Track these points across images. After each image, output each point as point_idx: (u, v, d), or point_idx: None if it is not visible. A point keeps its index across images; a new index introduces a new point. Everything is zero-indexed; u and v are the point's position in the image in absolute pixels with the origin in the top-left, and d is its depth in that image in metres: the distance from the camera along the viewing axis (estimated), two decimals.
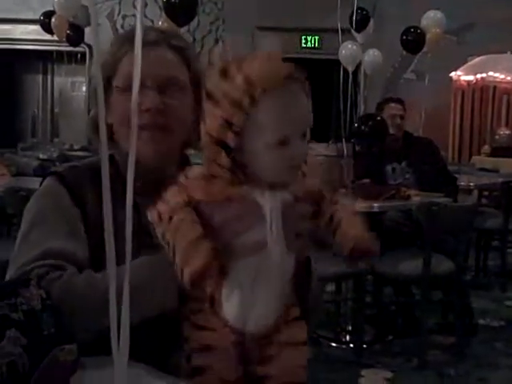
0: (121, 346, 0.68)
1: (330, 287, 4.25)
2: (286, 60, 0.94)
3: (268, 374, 0.99)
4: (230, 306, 0.97)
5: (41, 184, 1.32)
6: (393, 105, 4.43)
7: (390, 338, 3.97)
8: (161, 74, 1.24)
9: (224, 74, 0.93)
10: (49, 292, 1.01)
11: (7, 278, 1.15)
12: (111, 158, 1.30)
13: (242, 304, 0.97)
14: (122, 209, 1.12)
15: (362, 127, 4.36)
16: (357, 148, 4.32)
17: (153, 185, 1.23)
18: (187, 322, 1.01)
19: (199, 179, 0.96)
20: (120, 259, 0.99)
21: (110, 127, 1.27)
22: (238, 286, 0.96)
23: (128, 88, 1.20)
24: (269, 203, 0.95)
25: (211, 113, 0.93)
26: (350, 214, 1.02)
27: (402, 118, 4.36)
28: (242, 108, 0.90)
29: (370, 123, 4.32)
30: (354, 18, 6.28)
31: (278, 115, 0.92)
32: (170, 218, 0.93)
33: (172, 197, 0.95)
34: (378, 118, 4.34)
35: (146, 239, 1.06)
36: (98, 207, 1.21)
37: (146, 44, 1.05)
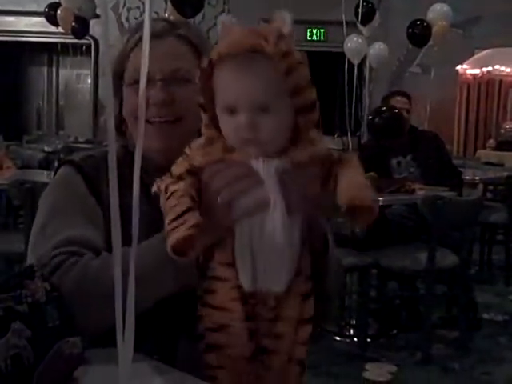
0: (126, 335, 0.68)
1: None
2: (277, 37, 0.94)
3: (274, 349, 1.02)
4: (242, 268, 0.98)
5: (55, 172, 1.31)
6: (398, 98, 4.42)
7: (395, 331, 3.97)
8: (167, 67, 1.23)
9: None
10: (61, 283, 1.03)
11: (33, 262, 1.14)
12: (126, 148, 1.30)
13: (253, 264, 0.98)
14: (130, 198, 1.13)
15: (378, 119, 4.22)
16: (366, 141, 4.30)
17: None
18: (201, 302, 1.02)
19: (200, 147, 0.99)
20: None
21: (124, 121, 1.27)
22: (246, 247, 0.98)
23: (135, 82, 1.21)
24: (262, 168, 0.96)
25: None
26: (352, 168, 1.00)
27: (407, 111, 4.35)
28: (202, 68, 0.96)
29: (387, 115, 4.21)
30: (360, 10, 6.26)
31: (225, 82, 0.96)
32: (166, 188, 0.96)
33: (175, 167, 0.99)
34: (395, 110, 4.23)
35: (157, 231, 1.06)
36: (91, 201, 1.22)
37: (152, 37, 1.05)
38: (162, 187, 0.97)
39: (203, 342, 1.02)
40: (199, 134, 1.24)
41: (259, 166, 0.97)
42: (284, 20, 0.98)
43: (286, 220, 0.97)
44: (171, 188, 0.96)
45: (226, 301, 1.00)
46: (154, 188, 0.98)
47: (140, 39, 1.21)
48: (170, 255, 0.96)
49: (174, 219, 0.93)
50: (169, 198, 0.96)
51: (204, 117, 0.99)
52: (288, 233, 0.98)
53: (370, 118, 4.33)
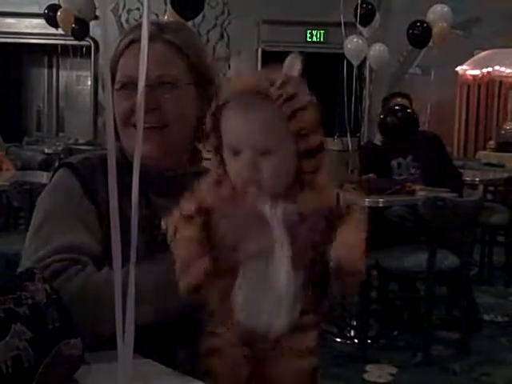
0: (125, 341, 0.68)
1: None
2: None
3: (273, 377, 1.00)
4: (242, 308, 0.98)
5: (53, 174, 1.30)
6: (399, 99, 4.42)
7: (395, 333, 3.97)
8: (153, 73, 1.20)
9: None
10: (61, 291, 1.02)
11: (29, 263, 1.14)
12: (122, 152, 1.30)
13: (253, 306, 0.98)
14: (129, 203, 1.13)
15: (389, 119, 4.11)
16: (366, 142, 4.27)
17: (166, 183, 1.24)
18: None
19: (209, 186, 1.00)
20: (127, 253, 1.01)
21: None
22: (247, 288, 0.98)
23: (123, 87, 1.21)
24: (269, 213, 0.96)
25: None
26: (349, 226, 0.99)
27: None
28: (211, 112, 0.99)
29: (400, 115, 4.10)
30: (359, 11, 6.26)
31: (229, 124, 0.97)
32: (176, 230, 0.97)
33: (184, 204, 0.99)
34: (408, 110, 4.15)
35: (157, 235, 1.06)
36: (87, 204, 1.22)
37: (138, 40, 1.06)
38: (171, 227, 0.97)
39: (203, 346, 1.01)
40: (186, 141, 1.25)
41: (266, 209, 0.97)
42: (294, 63, 0.98)
43: (290, 265, 0.97)
44: (181, 232, 0.96)
45: (223, 328, 1.00)
46: (163, 226, 0.99)
47: (131, 42, 1.21)
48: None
49: (184, 266, 0.95)
50: (178, 242, 0.96)
51: (213, 158, 1.01)
52: (292, 277, 0.98)
53: (382, 117, 4.24)
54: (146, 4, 0.78)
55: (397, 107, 4.28)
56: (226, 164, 0.99)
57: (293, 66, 0.98)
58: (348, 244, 0.97)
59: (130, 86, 1.20)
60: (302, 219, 0.98)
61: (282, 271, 0.96)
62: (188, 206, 0.98)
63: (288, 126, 0.95)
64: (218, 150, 1.00)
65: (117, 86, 1.24)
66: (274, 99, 0.94)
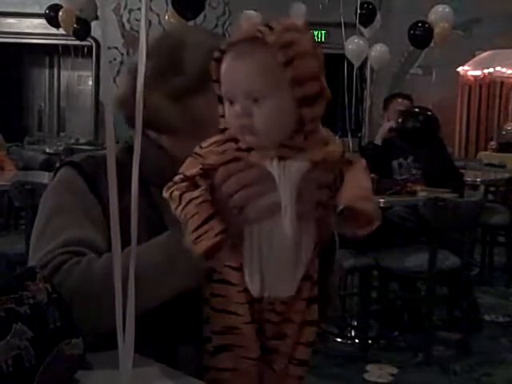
0: (126, 337, 0.68)
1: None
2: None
3: (279, 350, 1.03)
4: (250, 273, 0.98)
5: (55, 173, 1.30)
6: (400, 100, 4.41)
7: (396, 333, 3.97)
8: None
9: None
10: (63, 283, 1.03)
11: (34, 262, 1.13)
12: (131, 148, 1.29)
13: (261, 269, 0.98)
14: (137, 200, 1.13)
15: (409, 123, 3.87)
16: (367, 142, 4.23)
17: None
18: (207, 305, 1.03)
19: (213, 145, 0.98)
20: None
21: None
22: (255, 251, 0.98)
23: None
24: (277, 171, 0.95)
25: None
26: (357, 171, 1.00)
27: None
28: (214, 58, 0.97)
29: (421, 118, 3.88)
30: (359, 12, 6.26)
31: (225, 71, 0.96)
32: (181, 196, 0.95)
33: (187, 168, 0.98)
34: (429, 113, 3.96)
35: (158, 233, 1.07)
36: (92, 200, 1.22)
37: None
38: (176, 194, 0.96)
39: (210, 345, 1.03)
40: None
41: (273, 167, 0.95)
42: (298, 10, 0.98)
43: (297, 226, 0.96)
44: (187, 196, 0.95)
45: (234, 304, 1.00)
46: (166, 194, 0.97)
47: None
48: (176, 254, 0.98)
49: (199, 227, 0.93)
50: (186, 205, 0.94)
51: (220, 108, 0.99)
52: (298, 239, 0.98)
53: (401, 121, 4.02)
54: (144, 4, 0.78)
55: (417, 109, 4.12)
56: (225, 115, 0.98)
57: (297, 13, 0.98)
58: (358, 186, 0.97)
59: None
60: (309, 175, 0.96)
61: (289, 231, 0.95)
62: (191, 168, 0.97)
63: (283, 73, 0.93)
64: (221, 100, 0.98)
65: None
66: (270, 45, 0.93)
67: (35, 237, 1.20)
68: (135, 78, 1.20)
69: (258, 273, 0.98)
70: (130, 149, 1.29)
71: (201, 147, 0.99)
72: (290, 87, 0.94)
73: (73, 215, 1.20)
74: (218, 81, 0.97)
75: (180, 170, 0.98)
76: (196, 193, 0.95)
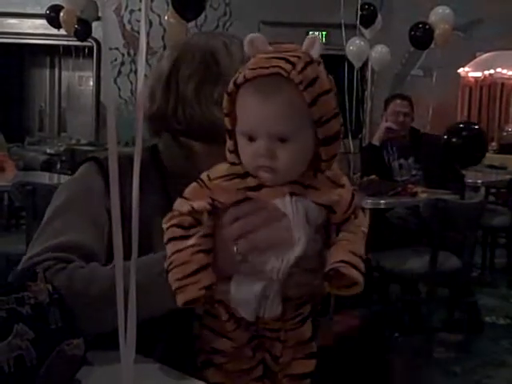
0: (127, 340, 0.68)
1: None
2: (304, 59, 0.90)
3: (274, 369, 1.02)
4: (242, 299, 0.97)
5: (77, 167, 1.29)
6: (398, 101, 4.41)
7: (396, 335, 3.97)
8: None
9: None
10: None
11: (24, 259, 1.14)
12: (154, 148, 1.29)
13: (244, 296, 0.97)
14: (155, 202, 1.12)
15: (455, 139, 3.58)
16: (367, 144, 4.19)
17: None
18: (200, 322, 1.02)
19: (223, 179, 0.94)
20: (146, 252, 1.01)
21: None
22: (247, 284, 0.96)
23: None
24: (290, 207, 0.93)
25: None
26: (356, 235, 0.97)
27: (405, 115, 4.33)
28: (228, 91, 0.92)
29: (465, 134, 3.59)
30: (360, 13, 6.26)
31: (246, 107, 0.91)
32: (178, 238, 0.93)
33: (193, 196, 0.95)
34: (476, 127, 3.62)
35: None
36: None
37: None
38: (173, 232, 0.93)
39: (198, 360, 1.02)
40: None
41: (288, 203, 0.92)
42: (314, 44, 0.93)
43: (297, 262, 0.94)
44: (184, 243, 0.92)
45: (228, 328, 0.99)
46: (165, 225, 0.94)
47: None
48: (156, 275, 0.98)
49: (185, 277, 0.91)
50: (181, 250, 0.92)
51: (229, 143, 0.94)
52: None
53: (446, 137, 3.72)
54: (144, 4, 0.78)
55: (462, 125, 3.85)
56: (239, 148, 0.93)
57: (312, 46, 0.92)
58: (351, 251, 0.94)
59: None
60: (319, 213, 0.95)
61: (293, 262, 0.93)
62: (198, 201, 0.93)
63: (308, 113, 0.89)
64: (232, 133, 0.94)
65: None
66: (295, 84, 0.87)
67: (39, 229, 1.20)
68: (168, 90, 1.22)
69: (254, 301, 0.96)
70: (153, 150, 1.29)
71: (209, 178, 0.95)
72: (313, 127, 0.90)
73: (77, 216, 1.19)
74: (228, 115, 0.93)
75: (185, 194, 0.95)
76: (193, 240, 0.92)
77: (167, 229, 0.94)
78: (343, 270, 0.91)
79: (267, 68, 0.88)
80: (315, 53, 0.92)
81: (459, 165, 3.65)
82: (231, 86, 0.91)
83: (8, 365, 0.84)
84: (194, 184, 0.96)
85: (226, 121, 0.93)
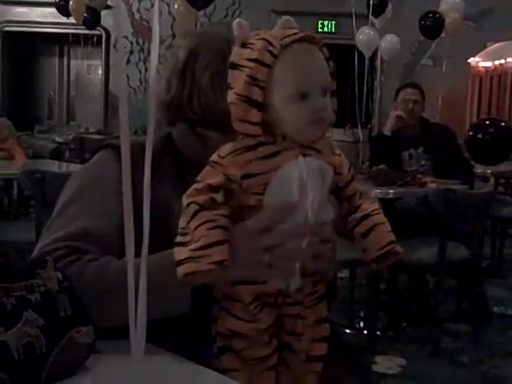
0: (138, 329, 0.68)
1: (345, 273, 4.25)
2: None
3: (295, 348, 1.04)
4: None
5: (94, 153, 1.29)
6: (409, 90, 4.38)
7: (404, 325, 3.97)
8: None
9: (244, 44, 0.99)
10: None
11: (37, 249, 1.13)
12: (169, 136, 1.29)
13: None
14: (172, 186, 1.12)
15: (480, 135, 3.47)
16: (377, 133, 4.15)
17: None
18: (218, 305, 1.03)
19: (233, 155, 0.98)
20: (164, 235, 1.01)
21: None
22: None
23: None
24: (304, 166, 0.98)
25: (235, 77, 0.98)
26: (383, 218, 1.06)
27: (415, 102, 4.29)
28: (264, 63, 0.96)
29: (492, 130, 3.50)
30: (372, 2, 6.23)
31: (296, 69, 0.98)
32: (197, 212, 0.95)
33: (207, 177, 0.98)
34: (502, 124, 3.51)
35: None
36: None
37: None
38: (192, 209, 0.95)
39: (215, 346, 1.03)
40: None
41: (302, 163, 0.98)
42: (289, 24, 1.02)
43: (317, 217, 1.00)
44: (204, 214, 0.94)
45: (251, 311, 1.00)
46: (184, 202, 0.96)
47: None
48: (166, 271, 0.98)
49: (200, 248, 0.92)
50: (199, 226, 0.94)
51: (255, 115, 0.97)
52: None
53: (471, 134, 3.64)
54: None
55: (487, 121, 3.74)
56: (284, 113, 0.97)
57: (289, 26, 1.02)
58: (390, 234, 1.05)
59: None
60: (331, 171, 1.02)
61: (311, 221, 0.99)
62: (212, 178, 0.97)
63: (329, 67, 1.02)
64: (261, 105, 0.97)
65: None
66: (318, 43, 1.00)
67: (52, 217, 1.19)
68: (183, 79, 1.22)
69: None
70: (167, 138, 1.29)
71: (220, 156, 0.99)
72: (332, 80, 1.02)
73: (91, 204, 1.18)
74: (263, 88, 0.96)
75: (198, 179, 0.98)
76: (213, 215, 0.95)
77: (187, 206, 0.96)
78: (399, 249, 1.04)
79: (297, 34, 0.98)
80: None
81: (484, 162, 3.48)
82: (269, 57, 0.96)
83: (17, 352, 0.85)
84: (206, 168, 0.99)
85: (259, 94, 0.96)
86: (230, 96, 0.98)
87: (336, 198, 1.06)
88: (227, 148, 0.99)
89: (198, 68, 1.24)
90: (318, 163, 0.99)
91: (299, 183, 0.97)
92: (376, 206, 1.07)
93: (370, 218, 1.05)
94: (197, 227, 0.94)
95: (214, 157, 0.99)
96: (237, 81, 0.98)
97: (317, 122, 0.98)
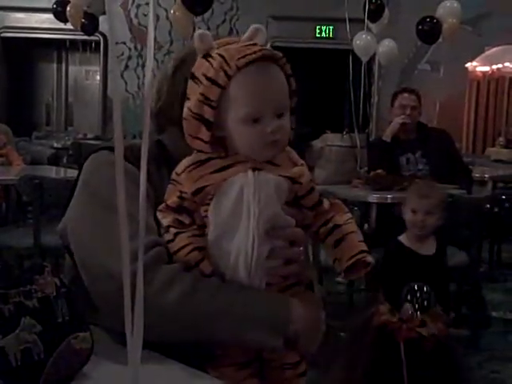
0: (135, 334, 0.68)
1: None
2: (280, 49, 1.02)
3: (269, 358, 1.06)
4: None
5: (87, 157, 1.24)
6: (405, 95, 4.39)
7: None
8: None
9: (206, 55, 0.99)
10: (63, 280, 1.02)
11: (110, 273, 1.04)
12: (159, 142, 1.29)
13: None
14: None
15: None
16: (374, 138, 4.19)
17: None
18: None
19: (186, 171, 1.00)
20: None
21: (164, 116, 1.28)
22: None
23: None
24: (252, 181, 0.98)
25: (193, 91, 0.99)
26: (354, 227, 1.06)
27: (413, 108, 4.31)
28: (217, 83, 0.96)
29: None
30: (368, 7, 6.24)
31: (248, 91, 0.97)
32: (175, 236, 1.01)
33: (168, 196, 1.02)
34: None
35: None
36: (149, 188, 1.18)
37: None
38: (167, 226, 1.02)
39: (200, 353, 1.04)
40: None
41: (251, 177, 0.98)
42: (257, 33, 1.01)
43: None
44: (182, 238, 1.00)
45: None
46: (158, 217, 1.02)
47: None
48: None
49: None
50: (179, 250, 1.01)
51: (206, 134, 0.98)
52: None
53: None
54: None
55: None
56: (237, 134, 0.98)
57: (256, 35, 1.01)
58: (359, 245, 1.05)
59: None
60: (283, 184, 1.01)
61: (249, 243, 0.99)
62: (171, 198, 1.01)
63: (288, 85, 1.01)
64: (211, 125, 0.98)
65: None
66: (279, 61, 0.99)
67: (96, 238, 1.11)
68: (173, 86, 1.23)
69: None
70: (157, 143, 1.29)
71: (176, 173, 1.01)
72: (290, 99, 1.02)
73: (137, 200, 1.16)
74: (215, 108, 0.97)
75: (165, 198, 1.02)
76: (188, 237, 1.00)
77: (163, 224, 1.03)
78: (369, 260, 1.02)
79: (255, 53, 0.96)
80: (259, 41, 1.01)
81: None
82: (223, 78, 0.95)
83: (15, 358, 0.85)
84: (168, 186, 1.02)
85: (210, 113, 0.96)
86: (185, 111, 1.00)
87: (297, 208, 1.05)
88: (182, 164, 1.01)
89: (187, 75, 1.25)
90: (269, 177, 0.99)
91: (239, 195, 0.97)
92: (349, 215, 1.07)
93: (340, 227, 1.04)
94: (178, 251, 1.01)
95: (172, 175, 1.02)
96: (192, 95, 0.99)
97: (269, 144, 0.98)
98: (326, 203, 1.07)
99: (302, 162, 1.06)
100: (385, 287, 2.53)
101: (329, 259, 1.08)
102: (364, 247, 1.03)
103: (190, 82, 1.00)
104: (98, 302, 1.06)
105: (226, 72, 0.95)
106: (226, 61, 0.95)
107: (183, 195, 0.98)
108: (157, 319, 0.99)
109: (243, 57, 0.95)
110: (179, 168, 1.01)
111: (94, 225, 1.12)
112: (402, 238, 2.79)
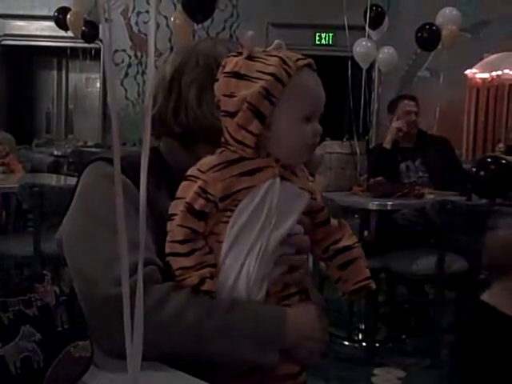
0: (134, 343, 0.68)
1: None
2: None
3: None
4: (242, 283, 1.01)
5: (84, 168, 1.22)
6: (407, 101, 4.41)
7: (403, 336, 3.96)
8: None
9: (251, 57, 1.00)
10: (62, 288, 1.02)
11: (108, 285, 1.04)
12: (155, 149, 1.28)
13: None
14: (166, 200, 1.13)
15: (482, 172, 3.62)
16: (374, 145, 4.18)
17: None
18: None
19: (214, 170, 0.99)
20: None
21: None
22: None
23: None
24: (277, 193, 0.99)
25: (244, 86, 0.98)
26: (361, 252, 1.10)
27: (416, 114, 4.33)
28: (280, 80, 0.98)
29: (493, 167, 3.65)
30: (369, 14, 6.25)
31: (307, 91, 1.01)
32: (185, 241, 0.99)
33: (187, 193, 0.99)
34: (503, 162, 3.69)
35: None
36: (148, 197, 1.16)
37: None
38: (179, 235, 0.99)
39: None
40: None
41: (277, 185, 0.99)
42: (280, 48, 1.04)
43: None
44: (192, 244, 0.98)
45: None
46: (170, 210, 1.00)
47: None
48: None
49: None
50: (189, 254, 0.99)
51: (258, 127, 0.99)
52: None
53: (475, 170, 3.76)
54: (153, 5, 0.78)
55: (489, 159, 3.91)
56: (289, 132, 1.00)
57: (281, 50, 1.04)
58: (365, 271, 1.10)
59: None
60: (304, 196, 1.04)
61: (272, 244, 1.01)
62: (194, 199, 0.98)
63: None
64: (265, 120, 0.99)
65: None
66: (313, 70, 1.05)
67: (104, 241, 1.08)
68: (170, 93, 1.23)
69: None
70: (153, 150, 1.28)
71: (200, 171, 0.99)
72: None
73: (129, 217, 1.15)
74: (273, 103, 0.98)
75: (179, 194, 1.00)
76: (194, 260, 0.99)
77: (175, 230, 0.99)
78: (373, 286, 1.09)
79: (305, 59, 1.02)
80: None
81: (486, 197, 3.71)
82: (285, 76, 0.98)
83: (15, 366, 0.85)
84: (184, 183, 1.00)
85: (267, 108, 0.98)
86: (232, 102, 0.99)
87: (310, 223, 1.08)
88: (208, 162, 1.00)
89: (184, 83, 1.24)
90: (295, 189, 1.02)
91: (261, 199, 0.98)
92: (355, 238, 1.10)
93: (351, 250, 1.08)
94: (190, 253, 0.99)
95: (193, 171, 1.00)
96: (243, 90, 0.98)
97: (311, 145, 1.02)
98: (333, 222, 1.09)
99: (312, 179, 1.10)
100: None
101: (330, 276, 1.10)
102: (368, 274, 1.09)
103: (235, 81, 1.00)
104: (86, 314, 1.04)
105: (286, 71, 0.98)
106: (284, 61, 0.99)
107: (209, 197, 0.97)
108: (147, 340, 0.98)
109: (299, 60, 1.00)
110: (204, 166, 0.99)
111: (83, 238, 1.12)
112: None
